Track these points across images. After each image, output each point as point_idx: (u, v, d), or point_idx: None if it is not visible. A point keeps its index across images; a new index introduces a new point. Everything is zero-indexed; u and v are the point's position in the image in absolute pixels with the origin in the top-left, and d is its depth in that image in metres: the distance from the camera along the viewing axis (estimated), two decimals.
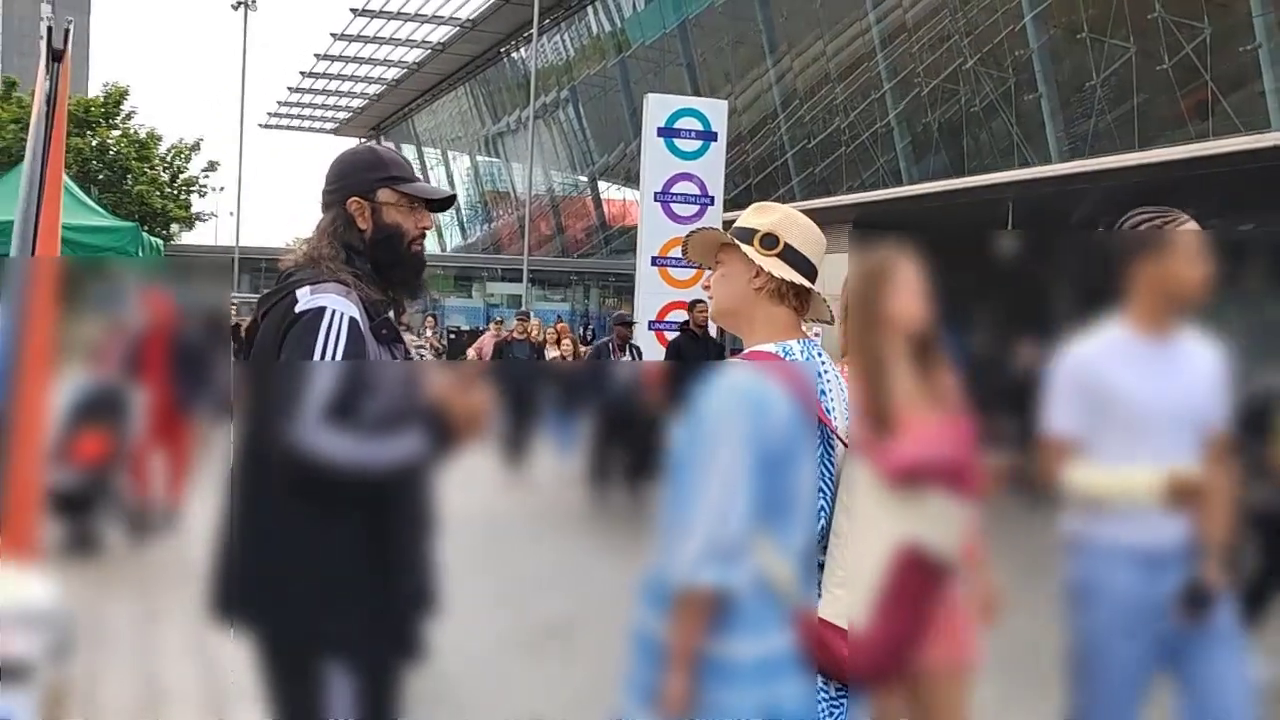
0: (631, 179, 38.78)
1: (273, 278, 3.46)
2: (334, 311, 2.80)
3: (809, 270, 2.67)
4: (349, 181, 3.07)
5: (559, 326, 16.07)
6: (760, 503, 2.37)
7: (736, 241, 2.70)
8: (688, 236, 2.81)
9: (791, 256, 2.66)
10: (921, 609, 2.43)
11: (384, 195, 3.05)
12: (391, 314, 3.03)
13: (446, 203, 3.19)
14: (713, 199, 14.48)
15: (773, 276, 2.66)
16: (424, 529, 2.65)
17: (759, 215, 2.75)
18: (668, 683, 2.34)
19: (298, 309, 2.82)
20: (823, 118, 33.32)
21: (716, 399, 2.39)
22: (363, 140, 67.06)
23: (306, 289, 2.86)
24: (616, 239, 47.26)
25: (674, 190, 14.37)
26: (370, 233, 3.03)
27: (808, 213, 2.76)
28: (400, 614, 2.68)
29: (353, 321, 2.81)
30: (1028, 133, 25.74)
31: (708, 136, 14.57)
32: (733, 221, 2.91)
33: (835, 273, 2.66)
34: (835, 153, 32.79)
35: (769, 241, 2.68)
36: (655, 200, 14.31)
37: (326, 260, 2.95)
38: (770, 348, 2.61)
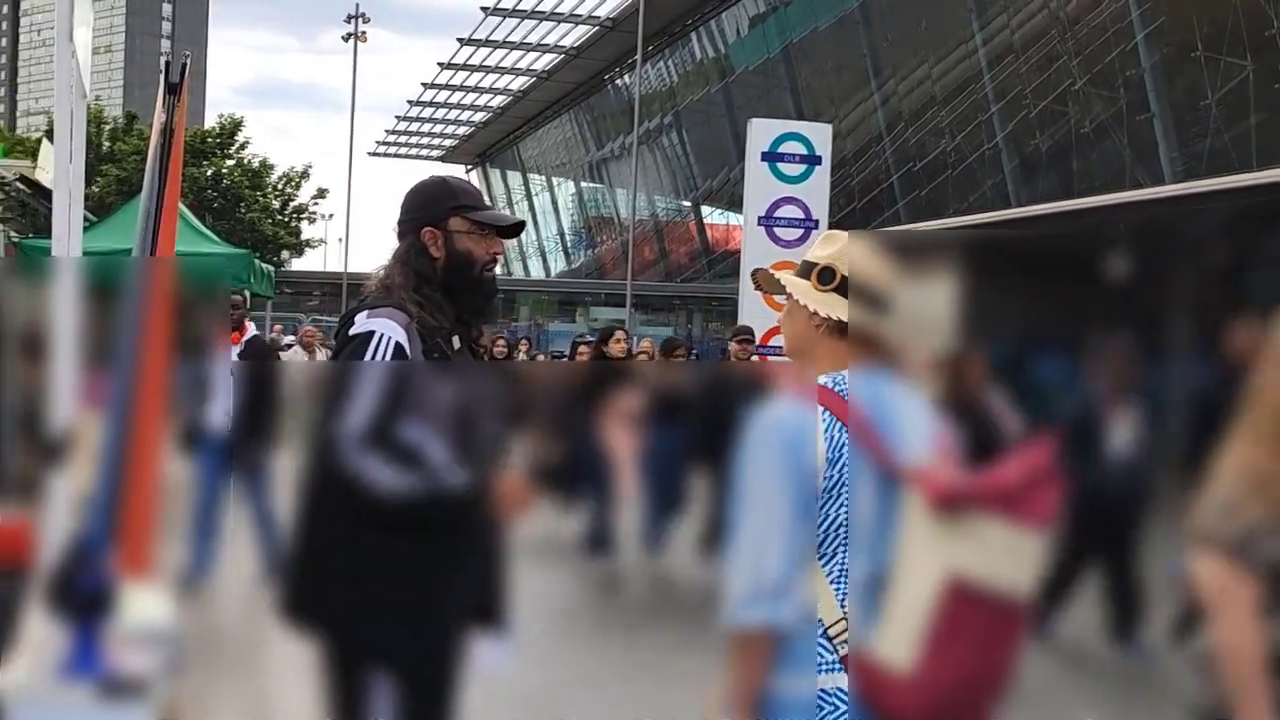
0: (735, 203, 38.72)
1: None
2: (381, 336, 2.95)
3: (870, 298, 2.54)
4: (421, 211, 3.21)
5: (645, 345, 15.47)
6: (810, 537, 2.31)
7: (786, 282, 2.63)
8: (754, 273, 2.79)
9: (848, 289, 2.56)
10: (982, 649, 2.21)
11: (455, 224, 3.17)
12: (456, 340, 3.15)
13: (517, 229, 3.33)
14: (817, 223, 14.39)
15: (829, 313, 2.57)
16: (483, 545, 2.66)
17: (822, 247, 2.67)
18: None
19: (351, 332, 3.01)
20: (928, 140, 33.01)
21: (757, 435, 2.34)
22: (467, 168, 68.07)
23: (364, 313, 3.03)
24: (719, 263, 47.23)
25: (778, 214, 14.32)
26: (442, 260, 3.15)
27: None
28: (455, 629, 2.70)
29: (398, 346, 2.95)
30: (1140, 153, 25.22)
31: (811, 160, 14.50)
32: None
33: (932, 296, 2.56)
34: (941, 175, 32.45)
35: (826, 276, 2.59)
36: (759, 224, 14.27)
37: (398, 288, 3.09)
38: (822, 379, 2.52)
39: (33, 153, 25.41)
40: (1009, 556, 2.20)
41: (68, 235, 3.99)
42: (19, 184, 17.32)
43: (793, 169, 14.51)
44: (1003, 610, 2.20)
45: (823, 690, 2.48)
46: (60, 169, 4.08)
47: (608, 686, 2.75)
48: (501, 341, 15.56)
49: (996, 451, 2.25)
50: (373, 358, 2.91)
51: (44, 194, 16.52)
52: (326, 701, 2.65)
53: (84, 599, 2.08)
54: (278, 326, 22.31)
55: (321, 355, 14.56)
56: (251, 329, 8.61)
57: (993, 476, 2.24)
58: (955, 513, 2.21)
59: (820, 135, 14.96)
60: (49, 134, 24.98)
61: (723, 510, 2.36)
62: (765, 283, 2.79)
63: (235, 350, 7.99)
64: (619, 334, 11.56)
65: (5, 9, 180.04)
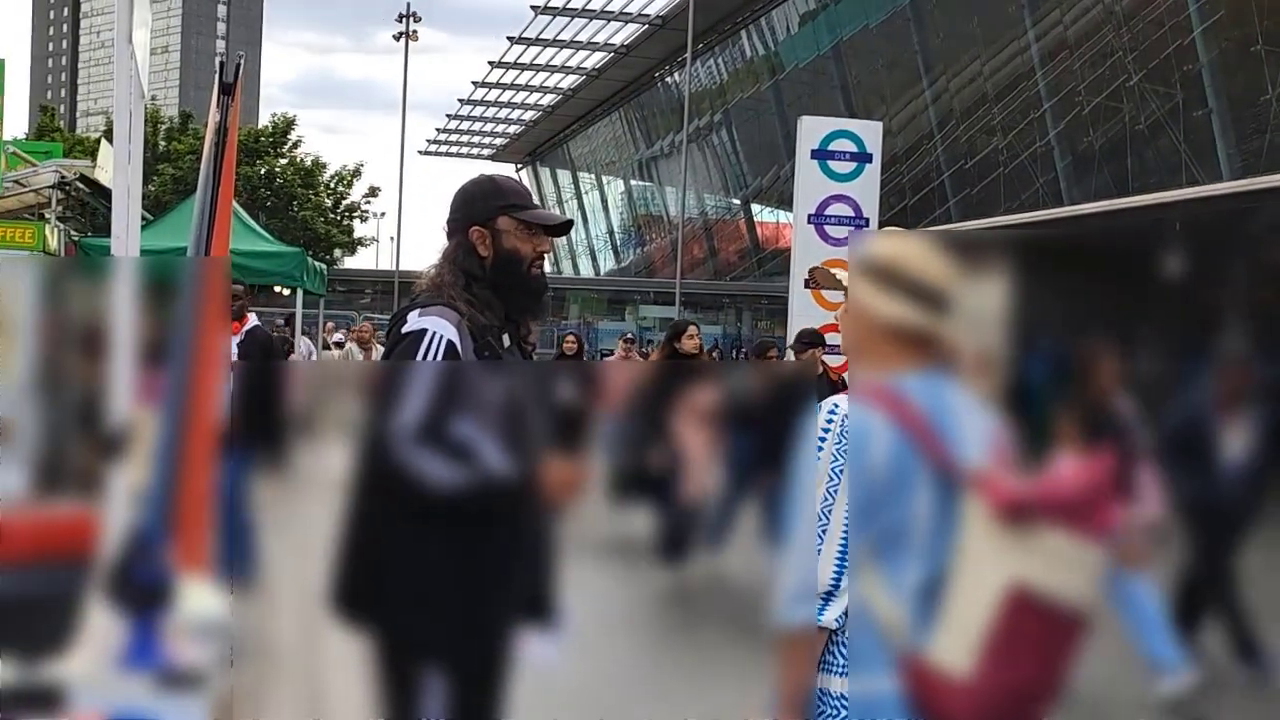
0: (784, 201, 38.63)
1: None
2: (433, 334, 2.99)
3: (926, 296, 2.48)
4: (469, 210, 3.23)
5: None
6: (866, 539, 2.28)
7: (839, 278, 2.60)
8: (811, 270, 2.77)
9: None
10: (1043, 659, 2.19)
11: (503, 223, 3.19)
12: (506, 338, 3.18)
13: (565, 228, 3.36)
14: (867, 221, 14.32)
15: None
16: (534, 539, 2.67)
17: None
18: None
19: (404, 329, 3.04)
20: (980, 138, 32.76)
21: (813, 435, 2.34)
22: (517, 166, 68.29)
23: (416, 312, 3.07)
24: (769, 261, 47.12)
25: (828, 212, 14.26)
26: (490, 259, 3.18)
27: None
28: (507, 624, 2.71)
29: (449, 344, 2.98)
30: (1196, 150, 24.90)
31: (862, 158, 14.44)
32: None
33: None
34: (993, 173, 32.18)
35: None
36: (809, 222, 14.21)
37: (448, 286, 3.13)
38: (880, 380, 2.45)
39: (92, 153, 25.81)
40: (1072, 566, 2.19)
41: (126, 234, 4.06)
42: (79, 183, 17.57)
43: (843, 167, 14.45)
44: (1063, 621, 2.18)
45: (823, 690, 2.49)
46: (119, 168, 4.14)
47: (661, 685, 2.75)
48: (572, 339, 15.54)
49: (1126, 459, 2.22)
50: (425, 356, 2.95)
51: (103, 193, 16.75)
52: (378, 696, 2.68)
53: (142, 591, 2.12)
54: (330, 324, 22.48)
55: (378, 352, 14.54)
56: (253, 319, 8.52)
57: (1058, 485, 2.21)
58: (1019, 521, 2.19)
59: (871, 133, 14.89)
60: (108, 134, 25.33)
61: (776, 510, 2.35)
62: (823, 280, 2.78)
63: (236, 340, 7.93)
64: (691, 329, 11.04)
65: (65, 12, 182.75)
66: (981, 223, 29.57)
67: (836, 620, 2.50)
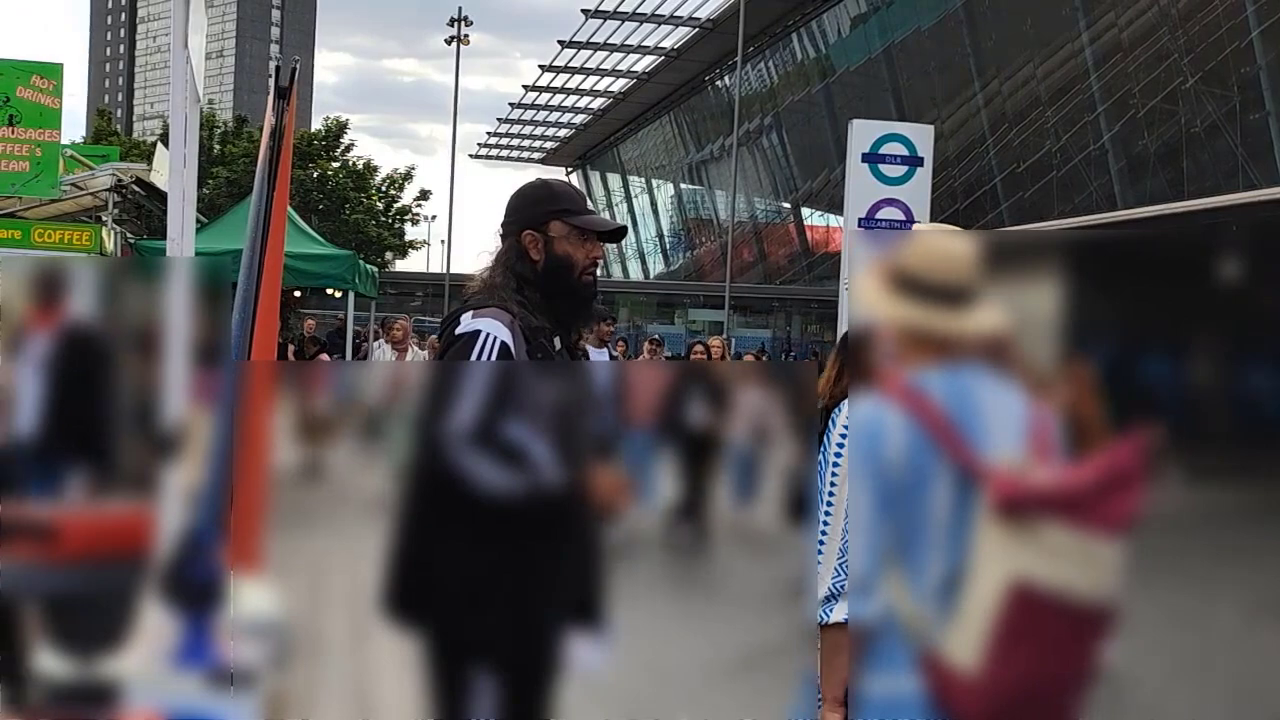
0: (835, 205, 38.48)
1: None
2: (487, 335, 3.00)
3: (939, 295, 2.42)
4: (523, 214, 3.24)
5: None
6: (888, 537, 2.27)
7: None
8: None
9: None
10: (1047, 654, 2.19)
11: (556, 228, 3.19)
12: (557, 341, 3.19)
13: (619, 235, 3.34)
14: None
15: None
16: (583, 542, 2.69)
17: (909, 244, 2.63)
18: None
19: (457, 331, 3.05)
20: (1032, 141, 32.48)
21: (840, 432, 2.39)
22: (568, 170, 68.43)
23: (469, 314, 3.07)
24: (819, 265, 46.95)
25: (878, 216, 14.19)
26: (542, 263, 3.18)
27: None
28: (556, 627, 2.72)
29: (503, 345, 2.99)
30: (1254, 153, 24.55)
31: (913, 162, 14.36)
32: None
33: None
34: (1046, 177, 31.90)
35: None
36: (859, 226, 14.15)
37: (499, 289, 3.13)
38: (902, 378, 2.42)
39: (148, 156, 26.12)
40: (1078, 561, 2.18)
41: (181, 236, 4.10)
42: (135, 186, 17.80)
43: (894, 170, 14.37)
44: (1071, 615, 2.17)
45: None
46: (174, 172, 4.19)
47: (700, 686, 2.75)
48: (622, 344, 15.61)
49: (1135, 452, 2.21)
50: (478, 357, 2.96)
51: (159, 196, 16.96)
52: (428, 698, 2.69)
53: (195, 590, 2.14)
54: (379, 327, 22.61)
55: (413, 354, 14.13)
56: (70, 314, 8.21)
57: (1062, 480, 2.20)
58: (1019, 516, 2.18)
59: (922, 136, 14.79)
60: (164, 138, 25.63)
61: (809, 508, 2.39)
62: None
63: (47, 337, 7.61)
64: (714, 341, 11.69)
65: (123, 17, 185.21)
66: (1033, 227, 29.31)
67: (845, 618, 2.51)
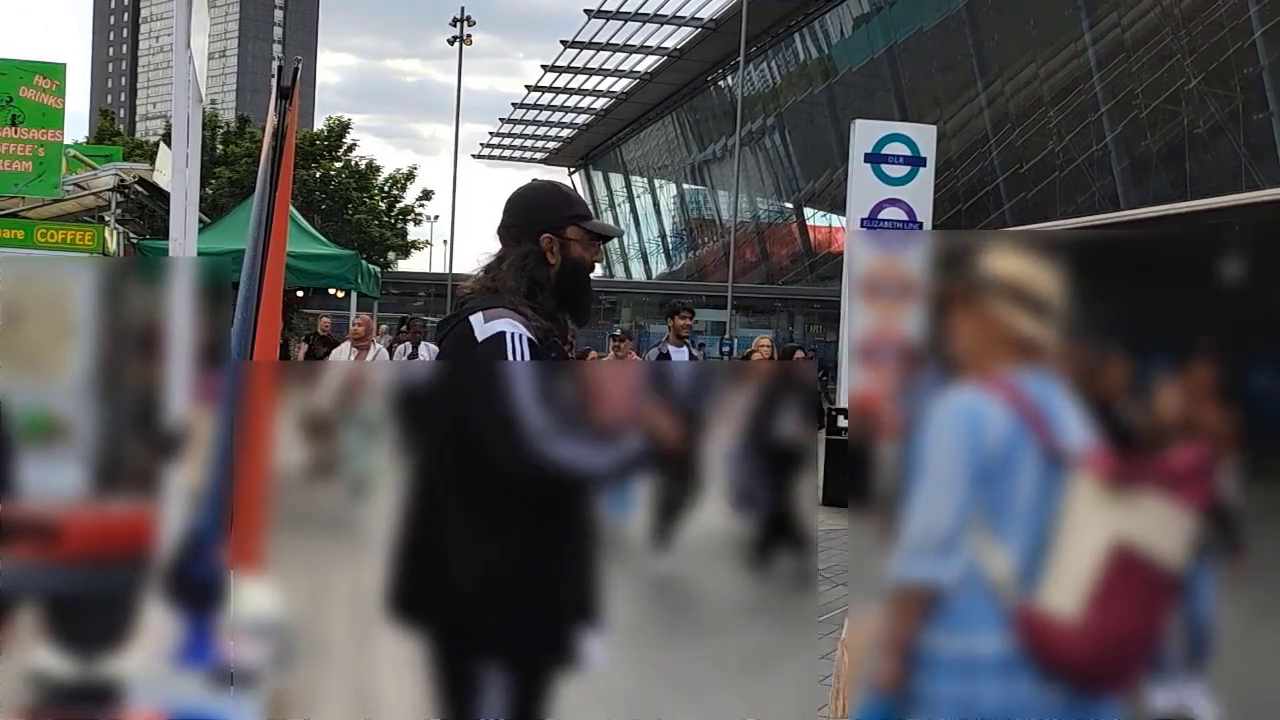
0: (837, 205, 38.44)
1: None
2: (513, 334, 3.00)
3: (1036, 305, 2.67)
4: (540, 217, 3.24)
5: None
6: (979, 508, 2.49)
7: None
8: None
9: None
10: (1140, 610, 2.47)
11: (572, 232, 3.21)
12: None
13: (615, 237, 3.42)
14: (921, 225, 14.25)
15: None
16: (590, 542, 2.73)
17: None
18: (881, 667, 2.50)
19: (478, 335, 3.01)
20: (1035, 141, 32.47)
21: (938, 415, 2.56)
22: (570, 170, 68.34)
23: (480, 315, 3.05)
24: (822, 265, 46.93)
25: (881, 216, 14.21)
26: (558, 267, 3.20)
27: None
28: (561, 624, 2.75)
29: (531, 342, 3.00)
30: (1257, 153, 24.54)
31: (916, 162, 14.36)
32: None
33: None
34: (1048, 177, 31.89)
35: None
36: (862, 226, 14.15)
37: (509, 292, 3.12)
38: (998, 373, 2.66)
39: (151, 156, 26.13)
40: (1169, 531, 2.47)
41: (184, 236, 4.11)
42: (137, 186, 17.80)
43: (897, 170, 14.38)
44: (1159, 578, 2.47)
45: None
46: (177, 172, 4.20)
47: (700, 687, 2.78)
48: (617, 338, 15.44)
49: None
50: (513, 356, 2.96)
51: (161, 196, 16.96)
52: (436, 695, 2.70)
53: (197, 589, 2.14)
54: (382, 326, 22.61)
55: (375, 352, 12.89)
56: None
57: (1163, 460, 2.51)
58: (1126, 488, 2.49)
59: (925, 136, 14.81)
60: (166, 138, 25.65)
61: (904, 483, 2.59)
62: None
63: None
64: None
65: (126, 17, 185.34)
66: (1036, 227, 29.30)
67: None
